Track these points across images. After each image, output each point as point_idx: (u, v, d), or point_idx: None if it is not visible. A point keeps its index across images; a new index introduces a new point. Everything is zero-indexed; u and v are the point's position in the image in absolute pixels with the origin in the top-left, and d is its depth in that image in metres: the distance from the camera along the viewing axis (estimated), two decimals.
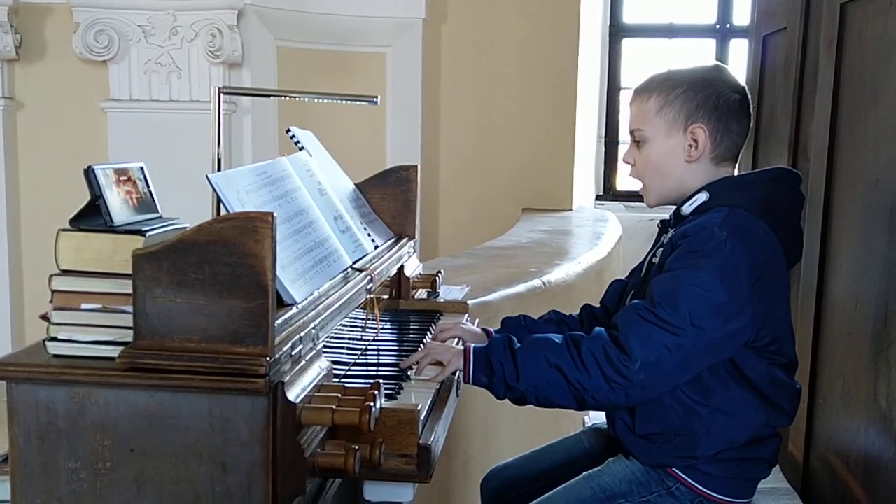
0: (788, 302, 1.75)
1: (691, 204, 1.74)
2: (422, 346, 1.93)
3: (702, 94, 1.74)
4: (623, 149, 6.21)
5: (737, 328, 1.64)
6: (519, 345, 1.71)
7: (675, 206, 1.81)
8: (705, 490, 1.72)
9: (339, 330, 1.78)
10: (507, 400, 1.74)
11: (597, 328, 1.70)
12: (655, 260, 1.76)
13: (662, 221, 1.86)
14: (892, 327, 1.67)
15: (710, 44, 5.85)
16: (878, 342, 1.74)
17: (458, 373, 1.78)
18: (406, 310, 2.30)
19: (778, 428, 1.77)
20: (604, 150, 6.02)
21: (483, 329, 2.00)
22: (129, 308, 1.31)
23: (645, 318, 1.63)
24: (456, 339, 1.99)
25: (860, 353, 1.84)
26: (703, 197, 1.73)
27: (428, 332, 2.07)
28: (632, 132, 1.83)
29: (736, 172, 1.83)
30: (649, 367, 1.62)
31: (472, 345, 1.76)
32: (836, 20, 2.07)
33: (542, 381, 1.67)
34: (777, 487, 1.96)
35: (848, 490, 1.87)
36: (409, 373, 1.79)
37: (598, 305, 2.02)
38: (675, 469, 1.73)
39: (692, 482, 1.72)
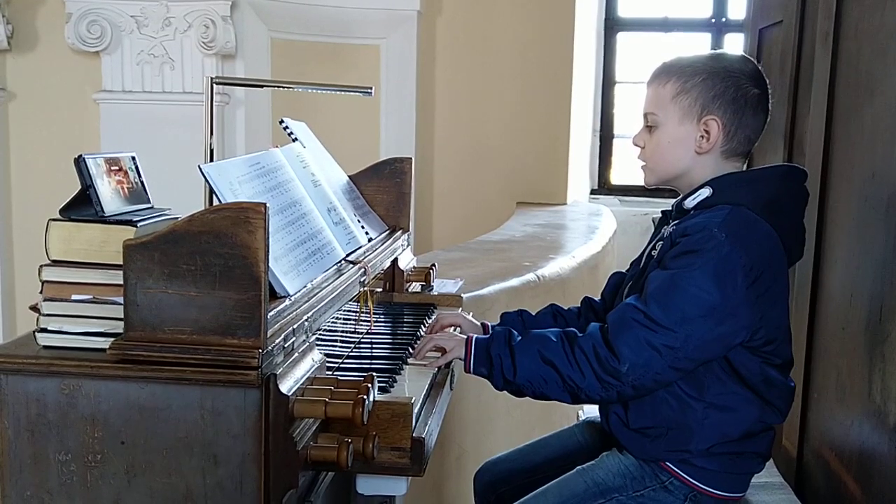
0: (787, 303, 1.74)
1: (694, 198, 1.72)
2: (419, 336, 1.92)
3: (720, 85, 1.70)
4: (618, 143, 6.24)
5: (729, 331, 1.63)
6: (518, 339, 1.71)
7: (676, 197, 1.79)
8: (699, 484, 1.72)
9: (333, 323, 1.77)
10: (505, 391, 1.74)
11: (592, 324, 1.70)
12: (654, 252, 1.75)
13: (664, 212, 1.84)
14: (887, 322, 1.67)
15: (705, 38, 5.85)
16: (872, 337, 1.74)
17: (454, 362, 1.78)
18: (400, 303, 2.29)
19: (771, 424, 1.76)
20: (598, 144, 6.01)
21: (482, 323, 2.00)
22: (120, 299, 1.29)
23: (634, 318, 1.62)
24: (454, 328, 1.98)
25: (855, 348, 1.84)
26: (706, 192, 1.71)
27: (422, 326, 2.06)
28: (645, 115, 1.79)
29: (744, 168, 1.81)
30: (638, 369, 1.61)
31: (475, 336, 1.76)
32: (832, 13, 2.06)
33: (537, 377, 1.67)
34: (771, 481, 1.96)
35: (842, 484, 1.87)
36: (409, 359, 1.79)
37: (598, 298, 2.02)
38: (668, 463, 1.72)
39: (686, 476, 1.71)
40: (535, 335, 1.71)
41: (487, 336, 1.76)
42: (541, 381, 1.67)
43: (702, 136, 1.72)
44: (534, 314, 2.01)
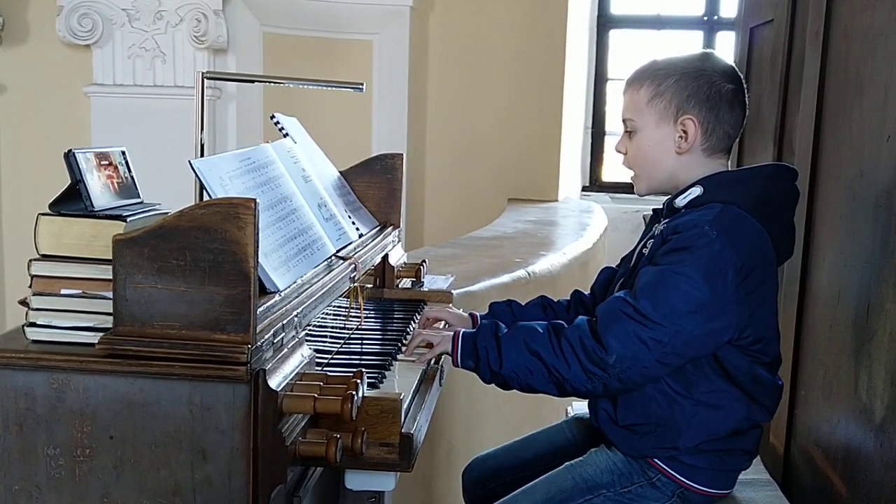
0: (776, 301, 1.75)
1: (685, 197, 1.73)
2: (409, 332, 1.93)
3: (693, 85, 1.72)
4: (609, 140, 6.25)
5: (717, 328, 1.63)
6: (505, 331, 1.71)
7: (666, 196, 1.80)
8: (686, 481, 1.73)
9: (323, 318, 1.78)
10: (493, 385, 1.75)
11: (580, 317, 1.71)
12: (645, 251, 1.76)
13: (655, 211, 1.85)
14: (874, 320, 1.68)
15: (697, 35, 5.86)
16: (859, 335, 1.75)
17: (443, 358, 1.79)
18: (390, 299, 2.29)
19: (759, 422, 1.77)
20: (590, 141, 6.02)
21: (469, 313, 2.01)
22: (110, 294, 1.29)
23: (624, 311, 1.63)
24: (443, 322, 1.99)
25: (842, 346, 1.85)
26: (697, 191, 1.72)
27: (412, 322, 2.06)
28: (624, 121, 1.81)
29: (729, 165, 1.82)
30: (625, 361, 1.62)
31: (462, 330, 1.77)
32: (822, 13, 2.07)
33: (522, 368, 1.67)
34: (757, 478, 1.96)
35: (828, 481, 1.88)
36: (398, 355, 1.80)
37: (587, 292, 2.02)
38: (656, 460, 1.73)
39: (673, 473, 1.72)
40: (522, 327, 1.71)
41: (474, 330, 1.77)
42: (526, 371, 1.67)
43: (680, 137, 1.74)
44: (523, 304, 2.02)
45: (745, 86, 1.77)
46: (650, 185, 1.82)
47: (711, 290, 1.60)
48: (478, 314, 2.01)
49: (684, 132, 1.73)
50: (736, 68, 1.79)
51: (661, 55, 1.81)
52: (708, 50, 1.92)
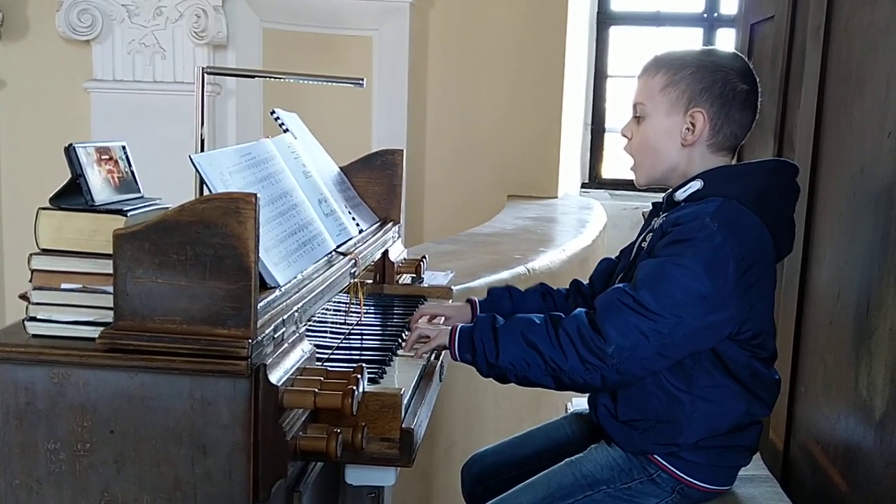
0: (773, 297, 1.75)
1: (685, 191, 1.73)
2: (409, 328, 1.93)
3: (708, 79, 1.72)
4: (609, 137, 6.23)
5: (718, 320, 1.63)
6: (502, 323, 1.71)
7: (665, 191, 1.80)
8: (686, 477, 1.73)
9: (323, 314, 1.78)
10: (492, 381, 1.75)
11: (577, 309, 1.70)
12: (645, 244, 1.76)
13: (654, 204, 1.85)
14: (874, 316, 1.68)
15: (697, 32, 5.85)
16: (859, 331, 1.75)
17: (443, 353, 1.79)
18: (390, 294, 2.29)
19: (758, 417, 1.77)
20: (590, 137, 6.01)
21: (468, 299, 2.00)
22: (110, 288, 1.29)
23: (624, 302, 1.62)
24: (441, 318, 1.99)
25: (842, 342, 1.85)
26: (697, 185, 1.72)
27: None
28: (634, 106, 1.81)
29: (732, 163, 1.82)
30: (624, 352, 1.61)
31: (460, 324, 1.77)
32: (823, 8, 2.07)
33: (519, 360, 1.67)
34: (757, 475, 1.97)
35: (827, 477, 1.88)
36: (398, 351, 1.80)
37: (586, 282, 2.02)
38: (656, 456, 1.73)
39: (673, 469, 1.72)
40: (520, 318, 1.71)
41: (472, 323, 1.77)
42: (523, 363, 1.67)
43: (687, 129, 1.73)
44: (523, 291, 2.01)
45: (759, 90, 1.76)
46: (650, 176, 1.81)
47: (712, 282, 1.60)
48: (476, 300, 2.00)
49: (692, 124, 1.73)
50: (754, 71, 1.78)
51: (684, 46, 1.80)
52: (735, 51, 1.91)
